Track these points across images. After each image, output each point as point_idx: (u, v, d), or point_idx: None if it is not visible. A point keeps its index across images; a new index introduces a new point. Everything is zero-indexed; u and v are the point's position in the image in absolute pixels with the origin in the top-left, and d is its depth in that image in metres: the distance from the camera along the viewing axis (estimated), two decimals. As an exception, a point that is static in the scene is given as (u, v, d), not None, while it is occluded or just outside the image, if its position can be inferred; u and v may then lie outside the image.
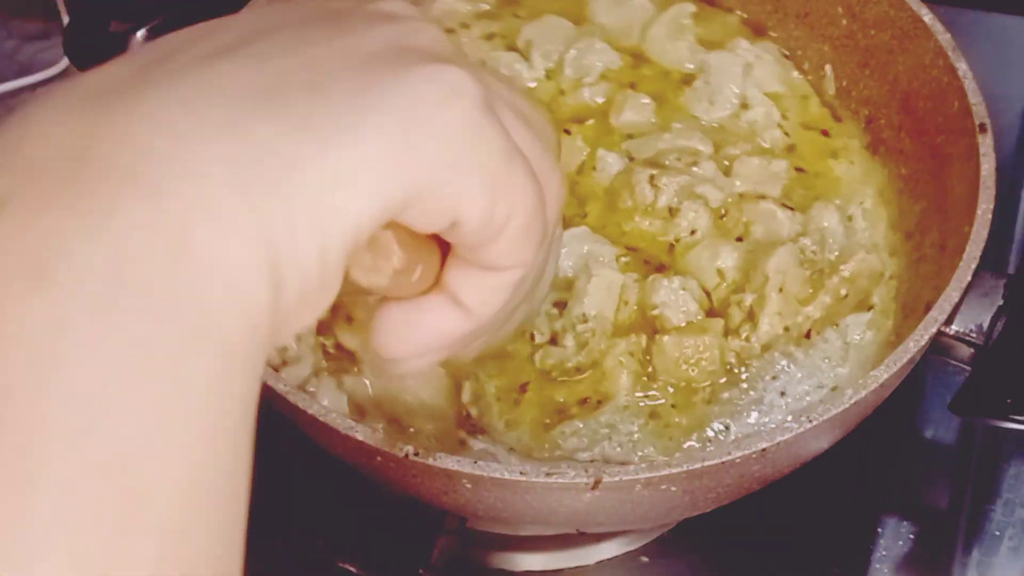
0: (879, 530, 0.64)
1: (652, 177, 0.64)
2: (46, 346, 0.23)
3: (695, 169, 0.65)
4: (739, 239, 0.63)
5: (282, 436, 0.53)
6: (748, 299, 0.60)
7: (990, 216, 0.57)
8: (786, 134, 0.69)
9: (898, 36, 0.67)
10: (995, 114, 0.61)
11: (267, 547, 0.58)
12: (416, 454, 0.50)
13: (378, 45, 0.30)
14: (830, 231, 0.63)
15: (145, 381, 0.23)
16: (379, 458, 0.51)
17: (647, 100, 0.69)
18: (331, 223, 0.27)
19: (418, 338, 0.35)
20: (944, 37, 0.64)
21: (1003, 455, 0.64)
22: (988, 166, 0.59)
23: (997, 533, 0.62)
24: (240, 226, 0.26)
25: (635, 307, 0.60)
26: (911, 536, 0.64)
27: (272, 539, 0.59)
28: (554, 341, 0.60)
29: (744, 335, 0.59)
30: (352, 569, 0.60)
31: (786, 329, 0.59)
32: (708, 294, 0.61)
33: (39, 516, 0.22)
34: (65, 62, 0.86)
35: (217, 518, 0.25)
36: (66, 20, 0.88)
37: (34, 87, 0.86)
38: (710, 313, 0.61)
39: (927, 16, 0.65)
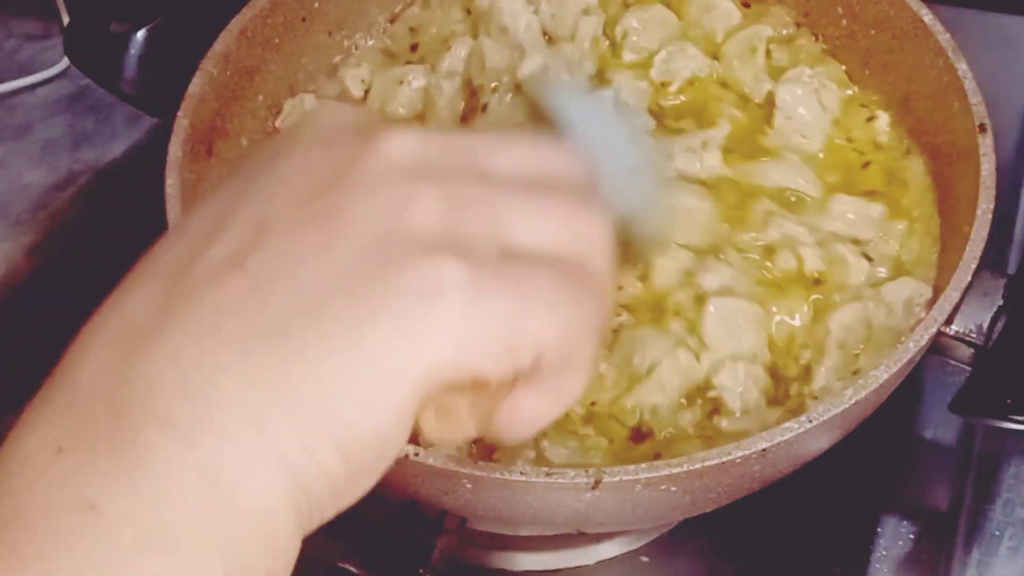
0: (879, 530, 0.64)
1: (771, 213, 0.64)
2: None
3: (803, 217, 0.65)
4: (816, 282, 0.63)
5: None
6: (806, 355, 0.60)
7: (990, 216, 0.57)
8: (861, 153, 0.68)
9: (898, 36, 0.67)
10: (995, 114, 0.61)
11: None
12: (416, 454, 0.50)
13: (365, 244, 0.32)
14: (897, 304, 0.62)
15: None
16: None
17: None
18: (343, 432, 0.31)
19: (540, 421, 0.37)
20: (944, 37, 0.64)
21: (1003, 455, 0.64)
22: (988, 166, 0.59)
23: (997, 533, 0.62)
24: (259, 456, 0.30)
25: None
26: (911, 536, 0.64)
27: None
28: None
29: (795, 391, 0.59)
30: (352, 569, 0.60)
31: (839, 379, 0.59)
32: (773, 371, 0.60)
33: None
34: (65, 62, 0.86)
35: None
36: (66, 20, 0.88)
37: (34, 87, 0.86)
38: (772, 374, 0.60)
39: (927, 16, 0.65)
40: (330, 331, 0.31)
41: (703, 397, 0.59)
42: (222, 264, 0.32)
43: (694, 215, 0.63)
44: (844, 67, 0.72)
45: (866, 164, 0.67)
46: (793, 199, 0.66)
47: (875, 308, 0.61)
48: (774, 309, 0.61)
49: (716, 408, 0.59)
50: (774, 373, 0.60)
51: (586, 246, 0.35)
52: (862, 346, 0.60)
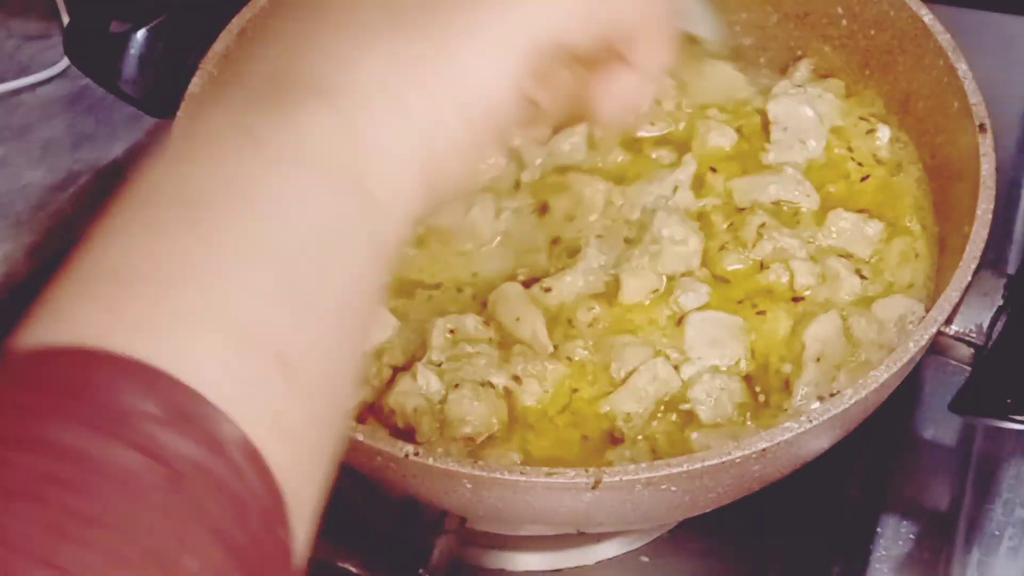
0: (879, 530, 0.64)
1: (763, 225, 0.64)
2: (250, 192, 0.33)
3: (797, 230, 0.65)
4: (797, 299, 0.63)
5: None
6: (787, 368, 0.60)
7: (990, 216, 0.57)
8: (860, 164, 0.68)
9: (898, 36, 0.67)
10: (995, 114, 0.61)
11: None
12: (416, 454, 0.50)
13: None
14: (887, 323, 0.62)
15: (314, 228, 0.33)
16: (379, 458, 0.51)
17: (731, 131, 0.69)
18: (462, 96, 0.37)
19: (631, 95, 0.44)
20: (944, 37, 0.64)
21: (1003, 455, 0.64)
22: (988, 166, 0.59)
23: (997, 533, 0.62)
24: (392, 115, 0.36)
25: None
26: (911, 536, 0.64)
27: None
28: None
29: (773, 403, 0.59)
30: (352, 569, 0.60)
31: (819, 399, 0.58)
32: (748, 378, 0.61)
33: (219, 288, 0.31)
34: (65, 62, 0.86)
35: (346, 348, 0.35)
36: (66, 20, 0.88)
37: (34, 87, 0.86)
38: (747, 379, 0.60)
39: (927, 16, 0.65)
40: (447, 13, 0.37)
41: (677, 409, 0.59)
42: None
43: (679, 247, 0.63)
44: (843, 82, 0.72)
45: (865, 178, 0.67)
46: (789, 211, 0.66)
47: (867, 325, 0.61)
48: (752, 325, 0.62)
49: (690, 419, 0.59)
50: (754, 385, 0.60)
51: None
52: (843, 363, 0.59)
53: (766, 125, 0.69)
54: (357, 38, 0.37)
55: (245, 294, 0.31)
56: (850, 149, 0.68)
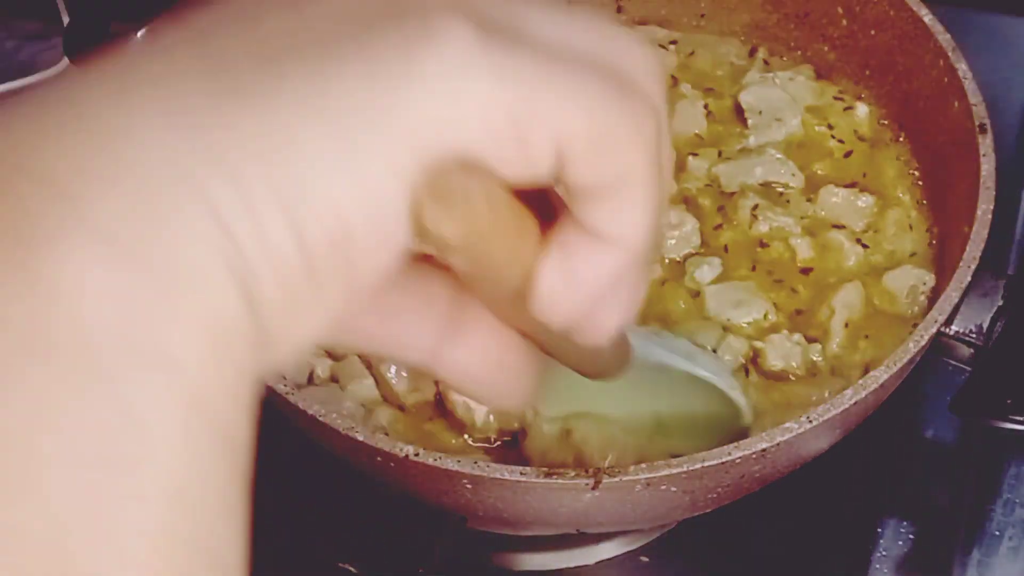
0: (879, 530, 0.64)
1: (756, 207, 0.65)
2: None
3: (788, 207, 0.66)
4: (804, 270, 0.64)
5: (282, 437, 0.53)
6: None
7: (990, 216, 0.57)
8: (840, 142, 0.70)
9: (898, 36, 0.67)
10: (995, 114, 0.61)
11: (267, 547, 0.58)
12: (416, 454, 0.50)
13: (346, 5, 0.25)
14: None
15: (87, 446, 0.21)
16: (379, 458, 0.51)
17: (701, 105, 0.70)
18: (294, 202, 0.23)
19: (600, 281, 0.28)
20: (944, 37, 0.64)
21: (1003, 455, 0.64)
22: (988, 166, 0.59)
23: (997, 533, 0.62)
24: (189, 209, 0.22)
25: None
26: (911, 536, 0.64)
27: (272, 539, 0.59)
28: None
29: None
30: (352, 569, 0.60)
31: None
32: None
33: None
34: (65, 62, 0.86)
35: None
36: (66, 20, 0.88)
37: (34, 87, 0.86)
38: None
39: (927, 16, 0.65)
40: (290, 74, 0.24)
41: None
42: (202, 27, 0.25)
43: (675, 231, 0.65)
44: (813, 67, 0.73)
45: (848, 153, 0.68)
46: (776, 192, 0.67)
47: (879, 297, 0.62)
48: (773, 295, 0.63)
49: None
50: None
51: (628, 59, 0.27)
52: (867, 334, 0.61)
53: (740, 112, 0.71)
54: (159, 89, 0.23)
55: None
56: (830, 127, 0.70)
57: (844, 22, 0.71)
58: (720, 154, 0.69)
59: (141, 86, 0.23)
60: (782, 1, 0.74)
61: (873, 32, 0.69)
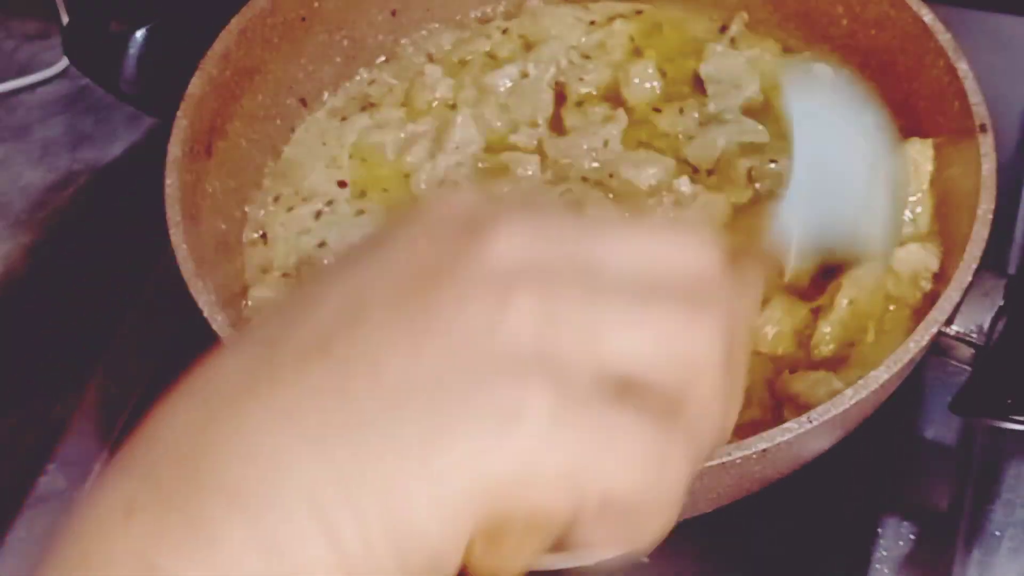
0: (879, 530, 0.64)
1: (751, 169, 0.66)
2: None
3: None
4: None
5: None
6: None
7: (990, 216, 0.57)
8: None
9: (898, 36, 0.67)
10: (995, 114, 0.61)
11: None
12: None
13: (453, 353, 0.31)
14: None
15: None
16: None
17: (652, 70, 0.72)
18: (399, 530, 0.30)
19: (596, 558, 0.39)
20: (944, 37, 0.64)
21: (1003, 455, 0.64)
22: (988, 166, 0.59)
23: (997, 533, 0.62)
24: (314, 536, 0.30)
25: None
26: (911, 536, 0.64)
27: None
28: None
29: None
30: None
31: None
32: None
33: None
34: (65, 62, 0.86)
35: None
36: (66, 20, 0.88)
37: (33, 87, 0.86)
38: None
39: (927, 16, 0.65)
40: (402, 435, 0.31)
41: None
42: (309, 348, 0.32)
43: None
44: (780, 44, 0.74)
45: None
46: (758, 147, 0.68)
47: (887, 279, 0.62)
48: None
49: None
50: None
51: (687, 371, 0.33)
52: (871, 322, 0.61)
53: (700, 84, 0.72)
54: (296, 439, 0.31)
55: None
56: None
57: (844, 22, 0.71)
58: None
59: (294, 441, 0.31)
60: (782, 1, 0.74)
61: (873, 32, 0.69)
